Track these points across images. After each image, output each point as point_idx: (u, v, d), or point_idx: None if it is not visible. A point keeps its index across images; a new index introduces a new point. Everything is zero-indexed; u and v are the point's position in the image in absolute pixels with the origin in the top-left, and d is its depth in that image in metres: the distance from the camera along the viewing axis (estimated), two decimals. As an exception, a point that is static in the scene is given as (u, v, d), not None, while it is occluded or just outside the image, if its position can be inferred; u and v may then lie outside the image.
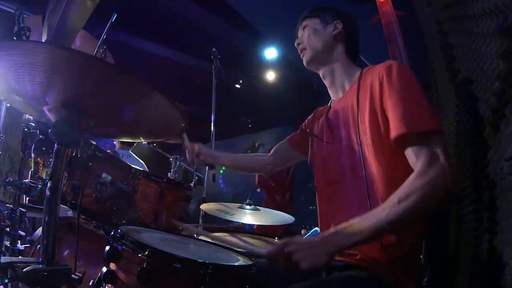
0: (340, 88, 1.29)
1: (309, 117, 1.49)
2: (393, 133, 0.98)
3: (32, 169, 1.69)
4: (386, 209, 0.89)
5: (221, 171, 5.81)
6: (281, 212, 2.07)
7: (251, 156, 1.77)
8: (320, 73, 1.33)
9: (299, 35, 1.36)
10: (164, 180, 1.63)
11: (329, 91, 1.35)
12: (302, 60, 1.33)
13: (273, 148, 1.63)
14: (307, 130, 1.44)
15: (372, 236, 0.90)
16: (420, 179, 0.89)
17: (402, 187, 0.90)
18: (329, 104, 1.36)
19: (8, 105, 1.97)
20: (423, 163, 0.91)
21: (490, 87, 0.88)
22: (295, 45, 1.35)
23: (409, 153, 0.97)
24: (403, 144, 0.98)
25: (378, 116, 1.07)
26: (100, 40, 1.68)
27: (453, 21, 1.23)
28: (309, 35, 1.30)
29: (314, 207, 1.31)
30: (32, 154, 1.57)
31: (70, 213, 1.92)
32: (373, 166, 1.07)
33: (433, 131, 0.95)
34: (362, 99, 1.13)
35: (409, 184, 0.90)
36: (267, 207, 2.18)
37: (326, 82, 1.34)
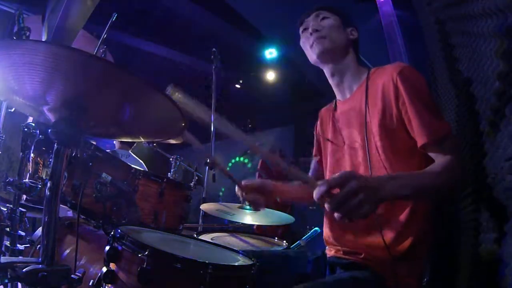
0: (348, 89, 1.27)
1: (317, 123, 1.45)
2: (422, 141, 1.02)
3: (30, 171, 1.69)
4: (428, 175, 0.96)
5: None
6: (281, 212, 2.07)
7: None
8: (329, 69, 1.27)
9: (309, 20, 1.27)
10: (164, 180, 1.63)
11: (335, 90, 1.33)
12: (314, 48, 1.22)
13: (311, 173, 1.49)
14: (319, 135, 1.42)
15: (413, 195, 0.97)
16: (450, 164, 0.97)
17: (438, 163, 0.98)
18: (334, 104, 1.35)
19: (11, 110, 1.97)
20: (449, 157, 0.98)
21: (490, 87, 0.88)
22: (309, 30, 1.24)
23: (434, 154, 1.02)
24: (429, 148, 1.03)
25: (393, 118, 1.08)
26: (101, 39, 1.68)
27: (453, 21, 1.23)
28: (331, 27, 1.23)
29: (314, 207, 1.31)
30: (32, 154, 1.56)
31: (70, 213, 1.92)
32: (380, 167, 1.08)
33: (450, 133, 1.03)
34: (372, 101, 1.13)
35: (443, 163, 0.97)
36: (267, 207, 2.18)
37: (333, 81, 1.30)
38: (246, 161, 6.35)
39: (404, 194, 0.92)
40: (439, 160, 1.00)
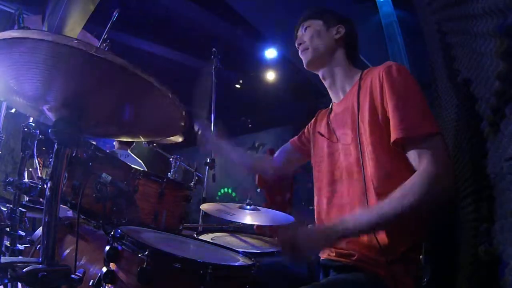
0: (341, 90, 1.29)
1: (312, 120, 1.48)
2: (393, 136, 1.00)
3: (32, 171, 1.69)
4: (382, 206, 0.94)
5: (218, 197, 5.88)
6: (281, 212, 2.07)
7: (256, 156, 1.77)
8: (320, 74, 1.33)
9: (298, 35, 1.36)
10: (164, 180, 1.62)
11: (329, 93, 1.35)
12: (302, 60, 1.32)
13: (278, 151, 1.62)
14: (311, 131, 1.44)
15: (364, 231, 1.00)
16: (421, 179, 0.92)
17: (403, 185, 0.93)
18: (330, 106, 1.36)
19: (12, 111, 1.97)
20: (424, 164, 0.94)
21: (490, 87, 0.88)
22: (296, 45, 1.34)
23: (411, 155, 0.99)
24: (404, 147, 1.00)
25: (379, 116, 1.07)
26: (102, 38, 1.67)
27: (453, 21, 1.23)
28: (311, 36, 1.29)
29: (314, 207, 1.31)
30: (35, 155, 1.56)
31: (70, 213, 1.92)
32: (372, 166, 1.07)
33: (433, 134, 0.97)
34: (362, 99, 1.14)
35: (410, 182, 0.93)
36: (267, 207, 2.18)
37: (326, 83, 1.34)
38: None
39: (362, 231, 0.99)
40: (418, 167, 0.95)
